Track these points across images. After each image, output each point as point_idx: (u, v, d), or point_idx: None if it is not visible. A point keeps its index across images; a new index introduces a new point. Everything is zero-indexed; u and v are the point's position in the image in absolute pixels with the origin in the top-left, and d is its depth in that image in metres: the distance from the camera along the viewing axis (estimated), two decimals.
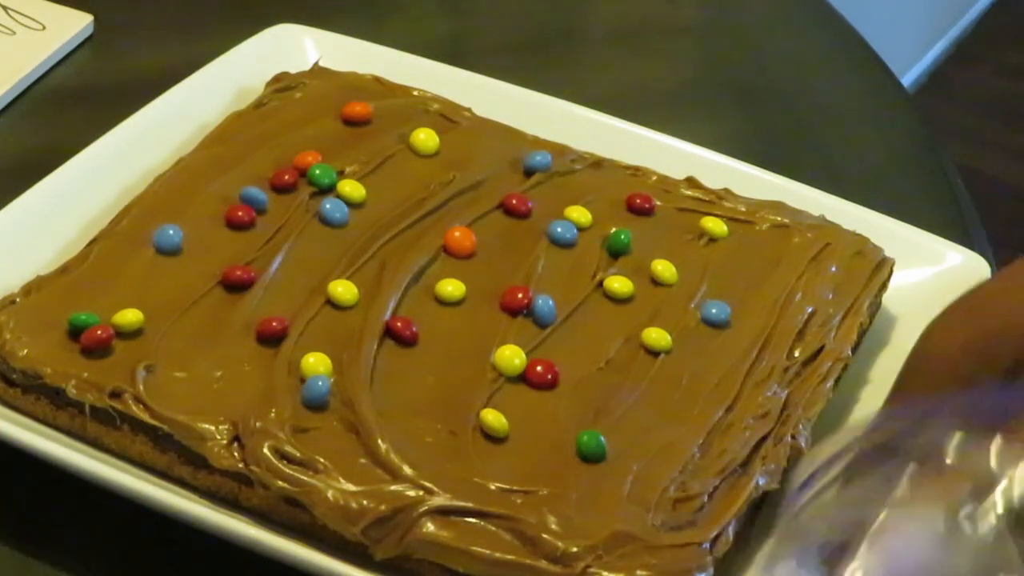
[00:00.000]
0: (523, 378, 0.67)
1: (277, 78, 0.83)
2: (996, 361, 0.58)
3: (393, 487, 0.61)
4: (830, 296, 0.73)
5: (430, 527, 0.61)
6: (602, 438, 0.65)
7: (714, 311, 0.71)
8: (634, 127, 0.84)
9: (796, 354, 0.70)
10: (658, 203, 0.78)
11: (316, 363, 0.66)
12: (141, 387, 0.64)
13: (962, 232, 0.84)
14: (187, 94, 0.82)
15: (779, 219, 0.77)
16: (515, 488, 0.62)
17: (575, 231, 0.75)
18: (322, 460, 0.62)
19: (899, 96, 1.00)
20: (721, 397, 0.67)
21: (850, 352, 0.71)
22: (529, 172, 0.79)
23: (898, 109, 0.98)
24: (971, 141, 2.40)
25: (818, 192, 0.81)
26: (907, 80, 2.49)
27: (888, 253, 0.76)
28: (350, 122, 0.80)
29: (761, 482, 0.64)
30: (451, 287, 0.71)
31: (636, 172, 0.80)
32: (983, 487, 0.46)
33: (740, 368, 0.69)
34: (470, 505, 0.61)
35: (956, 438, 0.49)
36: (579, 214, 0.76)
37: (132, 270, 0.70)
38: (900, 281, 0.76)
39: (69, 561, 0.64)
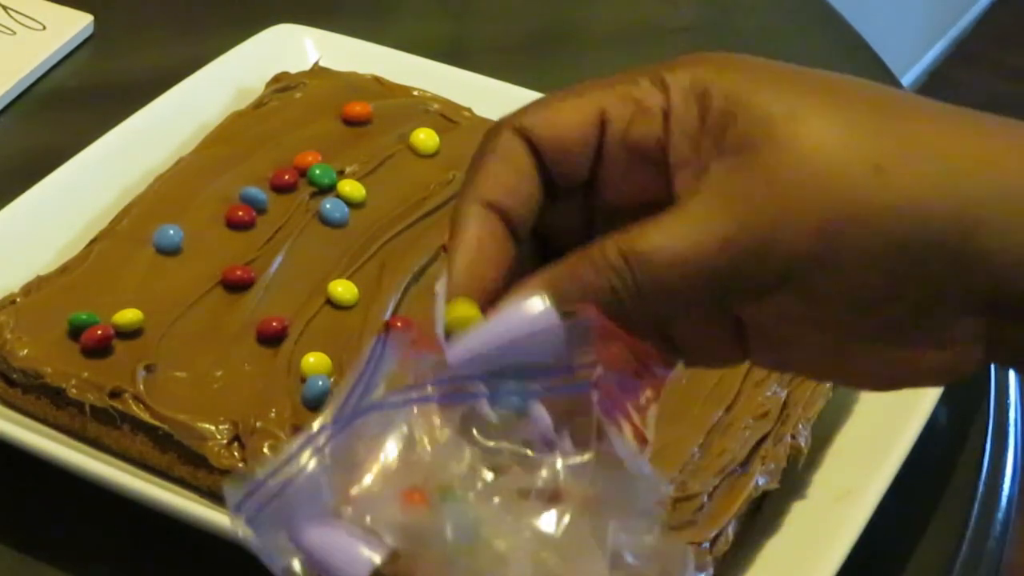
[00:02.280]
0: None
1: (277, 78, 0.83)
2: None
3: None
4: None
5: None
6: None
7: None
8: None
9: None
10: None
11: (316, 363, 0.66)
12: (141, 387, 0.64)
13: None
14: (187, 94, 0.82)
15: None
16: None
17: None
18: None
19: None
20: (720, 397, 0.67)
21: None
22: None
23: None
24: None
25: None
26: (907, 80, 2.49)
27: None
28: (350, 122, 0.80)
29: (761, 482, 0.64)
30: None
31: None
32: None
33: (740, 368, 0.69)
34: None
35: None
36: None
37: (132, 270, 0.70)
38: None
39: (69, 561, 0.64)
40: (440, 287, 0.44)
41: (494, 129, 0.45)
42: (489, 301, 0.43)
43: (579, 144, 0.44)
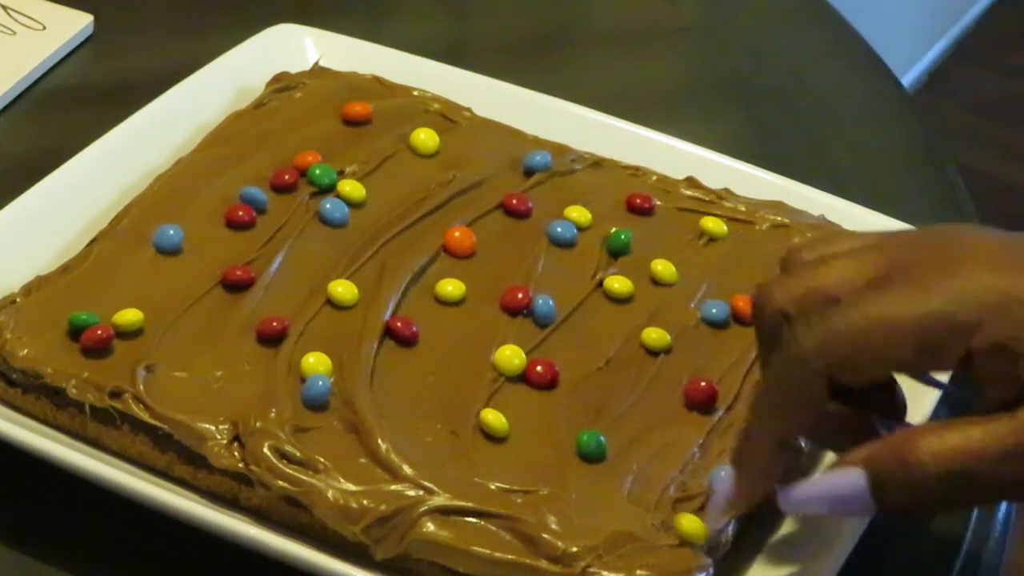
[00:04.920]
0: (523, 378, 0.67)
1: (277, 78, 0.83)
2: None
3: (393, 487, 0.61)
4: None
5: (430, 527, 0.61)
6: (602, 438, 0.65)
7: (714, 311, 0.71)
8: (634, 127, 0.84)
9: None
10: (658, 203, 0.78)
11: (316, 363, 0.66)
12: (141, 387, 0.64)
13: None
14: (187, 94, 0.82)
15: (779, 219, 0.77)
16: (515, 488, 0.62)
17: (575, 231, 0.75)
18: (322, 460, 0.62)
19: (899, 96, 1.00)
20: (721, 397, 0.67)
21: None
22: (529, 172, 0.79)
23: (898, 109, 0.98)
24: (971, 141, 2.40)
25: (818, 192, 0.81)
26: (907, 80, 2.49)
27: None
28: (350, 122, 0.80)
29: None
30: (451, 287, 0.71)
31: (636, 172, 0.80)
32: None
33: (740, 368, 0.69)
34: (470, 505, 0.61)
35: None
36: (579, 214, 0.76)
37: (132, 270, 0.70)
38: None
39: (69, 561, 0.64)
40: (723, 479, 0.60)
41: (801, 366, 0.54)
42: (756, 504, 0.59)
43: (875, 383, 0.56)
